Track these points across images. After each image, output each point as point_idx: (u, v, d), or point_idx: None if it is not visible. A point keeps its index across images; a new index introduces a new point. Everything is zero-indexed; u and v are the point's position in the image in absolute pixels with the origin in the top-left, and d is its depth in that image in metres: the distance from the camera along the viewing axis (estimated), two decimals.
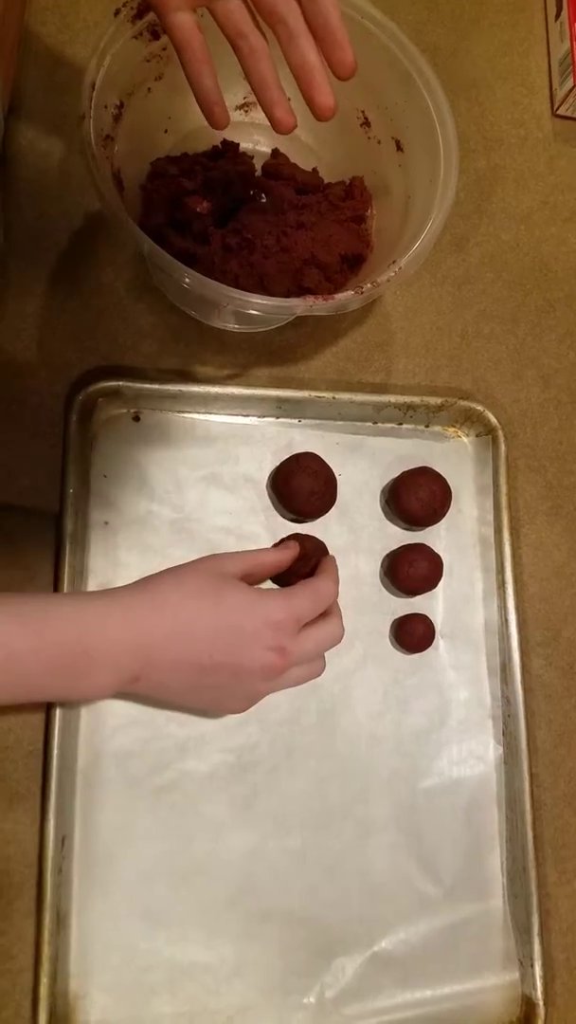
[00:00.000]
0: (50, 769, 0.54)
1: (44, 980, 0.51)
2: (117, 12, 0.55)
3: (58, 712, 0.54)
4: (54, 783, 0.54)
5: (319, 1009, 0.55)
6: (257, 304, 0.53)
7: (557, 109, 0.77)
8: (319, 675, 0.55)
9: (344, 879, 0.58)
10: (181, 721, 0.58)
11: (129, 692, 0.50)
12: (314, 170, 0.68)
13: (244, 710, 0.54)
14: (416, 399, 0.64)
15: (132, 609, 0.49)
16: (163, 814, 0.56)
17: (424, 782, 0.60)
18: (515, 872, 0.59)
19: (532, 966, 0.57)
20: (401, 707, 0.61)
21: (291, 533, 0.61)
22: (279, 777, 0.58)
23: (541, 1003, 0.57)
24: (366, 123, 0.65)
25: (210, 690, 0.51)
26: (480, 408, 0.65)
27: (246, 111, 0.68)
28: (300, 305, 0.54)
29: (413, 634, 0.61)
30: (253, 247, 0.59)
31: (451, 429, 0.67)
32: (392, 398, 0.64)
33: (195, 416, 0.63)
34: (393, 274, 0.56)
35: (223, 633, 0.50)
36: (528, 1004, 0.57)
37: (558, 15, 0.78)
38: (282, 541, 0.61)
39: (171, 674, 0.50)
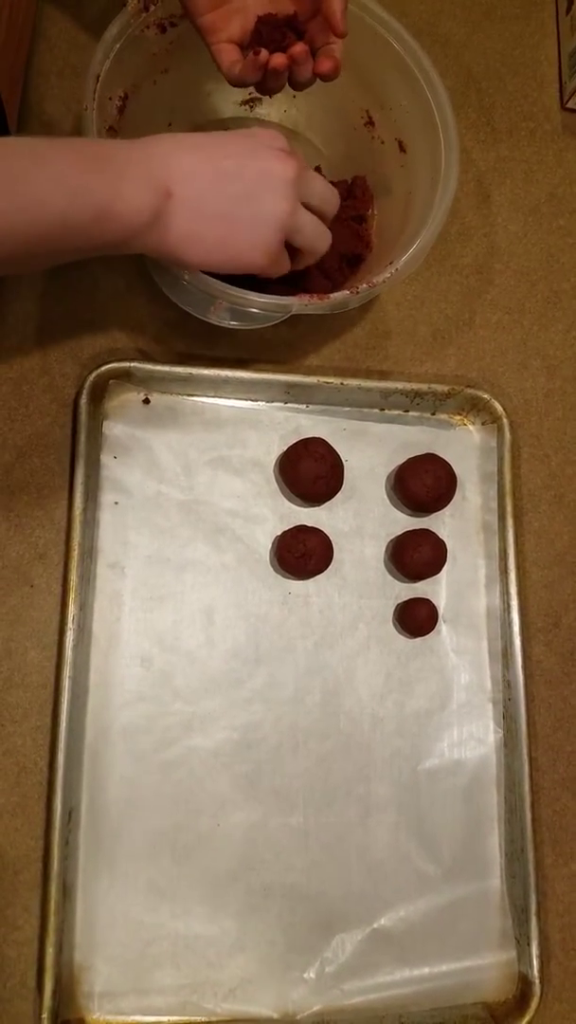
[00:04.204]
0: (58, 743, 0.55)
1: (50, 951, 0.52)
2: (124, 3, 0.55)
3: (66, 685, 0.55)
4: (61, 757, 0.54)
5: (319, 984, 0.56)
6: (253, 301, 0.53)
7: (566, 102, 0.77)
8: (324, 248, 0.54)
9: (345, 857, 0.59)
10: (187, 699, 0.58)
11: (165, 221, 0.47)
12: (317, 168, 0.68)
13: (264, 257, 0.51)
14: (423, 386, 0.65)
15: (147, 139, 0.48)
16: (168, 790, 0.57)
17: (425, 763, 0.61)
18: (513, 853, 0.60)
19: (529, 945, 0.58)
20: (403, 689, 0.62)
21: (297, 524, 0.62)
22: (282, 755, 0.59)
23: (537, 982, 0.57)
24: (370, 123, 0.66)
25: (239, 204, 0.48)
26: (486, 396, 0.66)
27: (250, 107, 0.68)
28: (295, 304, 0.55)
29: (416, 618, 0.62)
30: None
31: (457, 417, 0.68)
32: (399, 385, 0.65)
33: (204, 400, 0.64)
34: (389, 275, 0.56)
35: (238, 140, 0.50)
36: (524, 982, 0.58)
37: (569, 9, 0.78)
38: (289, 531, 0.61)
39: (200, 184, 0.47)
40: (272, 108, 0.69)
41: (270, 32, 0.55)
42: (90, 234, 0.44)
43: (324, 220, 0.54)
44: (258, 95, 0.67)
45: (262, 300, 0.53)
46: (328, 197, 0.54)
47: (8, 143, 0.43)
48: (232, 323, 0.58)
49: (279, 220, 0.49)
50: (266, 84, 0.57)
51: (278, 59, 0.55)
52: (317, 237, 0.53)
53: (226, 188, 0.48)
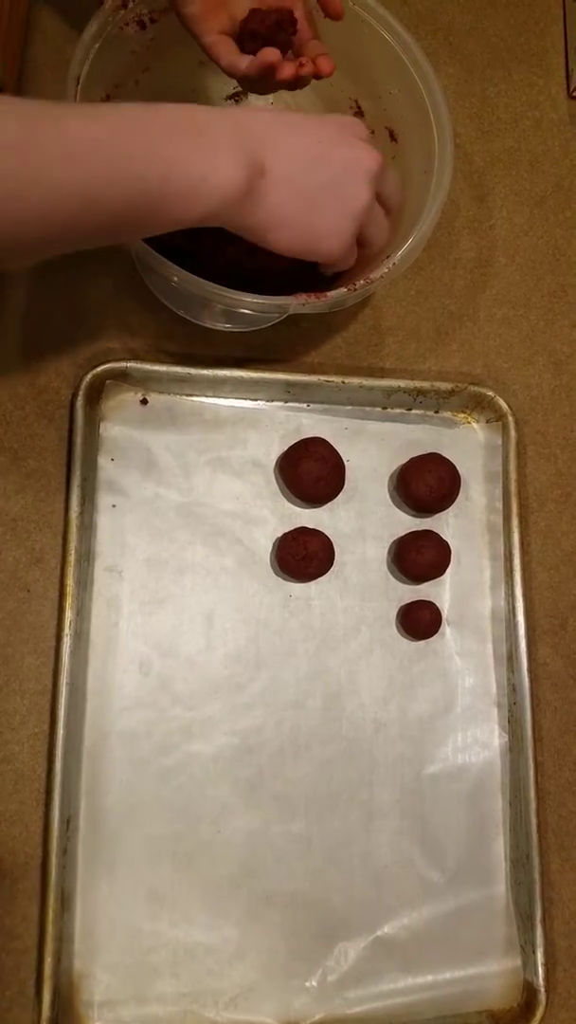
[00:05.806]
0: (55, 750, 0.54)
1: (48, 960, 0.52)
2: (102, 2, 0.54)
3: (64, 691, 0.55)
4: (59, 764, 0.54)
5: (321, 992, 0.56)
6: (248, 303, 0.52)
7: (573, 91, 0.76)
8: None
9: (347, 863, 0.58)
10: (187, 704, 0.58)
11: (256, 198, 0.46)
12: None
13: (340, 246, 0.51)
14: (426, 384, 0.64)
15: (240, 110, 0.49)
16: (168, 796, 0.56)
17: (429, 768, 0.60)
18: (518, 859, 0.59)
19: (534, 953, 0.57)
20: (407, 693, 0.61)
21: (298, 526, 0.61)
22: (284, 760, 0.58)
23: (542, 990, 0.57)
24: (359, 112, 0.64)
25: (325, 191, 0.49)
26: (491, 394, 0.65)
27: (235, 101, 0.67)
28: (292, 303, 0.53)
29: (419, 621, 0.61)
30: (243, 243, 0.58)
31: (461, 415, 0.66)
32: (402, 383, 0.63)
33: (203, 400, 0.62)
34: (387, 270, 0.55)
35: (327, 125, 0.50)
36: (529, 990, 0.57)
37: None
38: (289, 533, 0.60)
39: (294, 165, 0.47)
40: (259, 100, 0.67)
41: (266, 30, 0.54)
42: (183, 206, 0.44)
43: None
44: (242, 91, 0.65)
45: (257, 301, 0.52)
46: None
47: (102, 109, 0.44)
48: (227, 326, 0.57)
49: (360, 209, 0.50)
50: (263, 84, 0.55)
51: (287, 71, 0.54)
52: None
53: (316, 173, 0.48)
